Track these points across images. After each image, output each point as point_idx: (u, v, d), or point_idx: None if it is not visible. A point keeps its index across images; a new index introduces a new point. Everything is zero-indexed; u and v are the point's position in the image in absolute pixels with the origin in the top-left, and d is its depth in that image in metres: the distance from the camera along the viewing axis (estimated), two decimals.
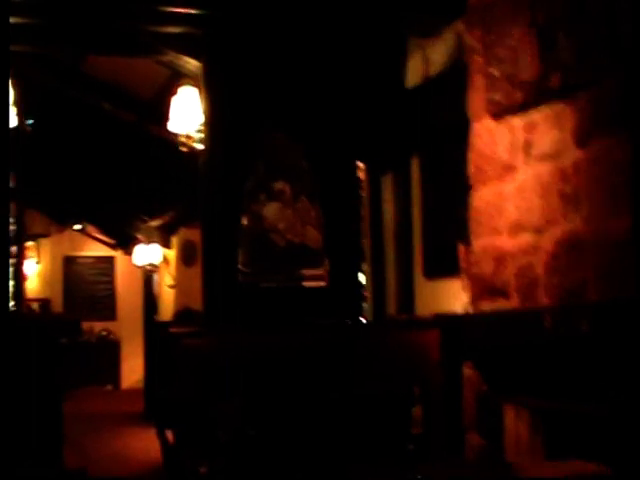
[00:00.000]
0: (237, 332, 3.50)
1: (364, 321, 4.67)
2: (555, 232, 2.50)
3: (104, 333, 12.61)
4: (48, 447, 3.25)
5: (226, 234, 4.29)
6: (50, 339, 3.38)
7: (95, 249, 13.07)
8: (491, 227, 2.86)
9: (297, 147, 4.47)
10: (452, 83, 3.51)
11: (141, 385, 9.60)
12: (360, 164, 4.85)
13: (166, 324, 9.30)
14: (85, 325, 12.12)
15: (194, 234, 10.09)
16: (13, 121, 4.55)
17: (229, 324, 4.02)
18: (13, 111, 4.84)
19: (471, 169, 3.04)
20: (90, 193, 10.03)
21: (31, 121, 7.17)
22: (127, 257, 12.20)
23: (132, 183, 8.82)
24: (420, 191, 4.46)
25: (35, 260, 12.58)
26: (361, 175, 4.90)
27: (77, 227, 12.42)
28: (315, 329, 3.44)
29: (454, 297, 3.65)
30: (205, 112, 4.47)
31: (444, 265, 4.01)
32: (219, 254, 4.29)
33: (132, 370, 11.92)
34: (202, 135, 4.64)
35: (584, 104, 2.39)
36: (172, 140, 5.30)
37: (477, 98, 2.98)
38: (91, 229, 12.51)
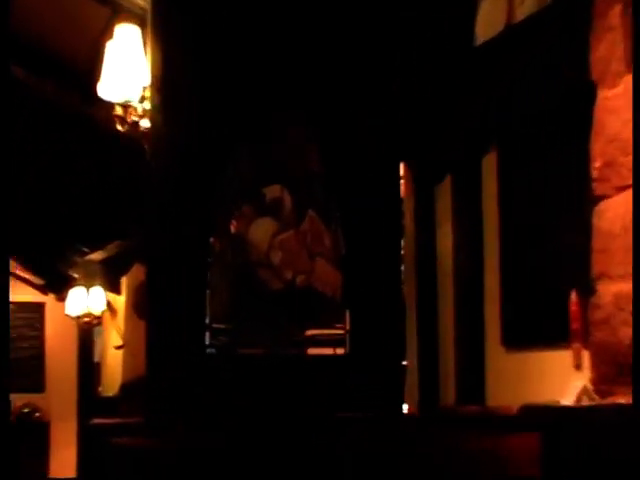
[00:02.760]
0: (196, 429, 3.50)
1: (407, 414, 4.51)
2: None
3: (26, 410, 12.48)
4: None
5: (187, 268, 4.10)
6: None
7: (17, 291, 12.81)
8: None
9: (305, 134, 4.29)
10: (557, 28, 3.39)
11: None
12: (402, 166, 4.71)
13: (107, 401, 9.28)
14: None
15: None
16: None
17: (185, 413, 3.93)
18: None
19: (596, 166, 2.95)
20: (10, 214, 9.63)
21: None
22: (61, 304, 12.36)
23: (63, 196, 8.40)
24: (498, 207, 4.20)
25: None
26: (403, 184, 4.75)
27: None
28: (328, 430, 3.32)
29: (556, 379, 3.48)
30: (154, 68, 4.21)
31: (537, 327, 3.86)
32: (175, 301, 4.08)
33: (64, 463, 11.93)
34: (149, 105, 4.49)
35: None
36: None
37: (611, 50, 2.86)
38: (12, 264, 12.19)
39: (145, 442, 3.15)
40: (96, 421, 6.37)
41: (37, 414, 12.68)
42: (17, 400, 12.34)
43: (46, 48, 7.17)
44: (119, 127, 4.74)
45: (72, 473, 10.94)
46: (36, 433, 12.60)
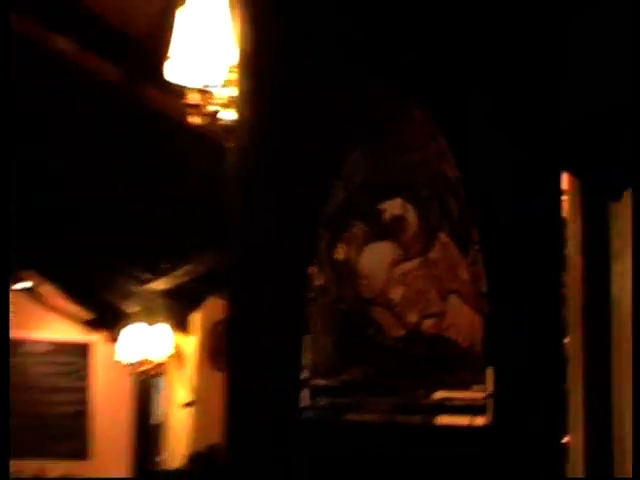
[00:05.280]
0: None
1: None
2: None
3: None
4: None
5: (281, 306, 4.10)
6: None
7: (55, 328, 13.25)
8: None
9: (436, 130, 4.24)
10: None
11: None
12: (565, 178, 4.60)
13: (171, 475, 9.46)
14: (28, 467, 12.34)
15: None
16: None
17: None
18: None
19: None
20: (46, 225, 9.89)
21: None
22: (112, 345, 12.59)
23: (119, 208, 8.52)
24: None
25: None
26: (566, 201, 4.64)
27: (23, 286, 12.38)
28: None
29: None
30: (243, 42, 4.17)
31: None
32: (264, 348, 4.07)
33: None
34: (234, 92, 4.47)
35: None
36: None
37: None
38: (48, 291, 12.51)
39: None
40: None
41: None
42: (52, 469, 12.81)
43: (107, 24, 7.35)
44: (193, 119, 4.75)
45: None
46: None
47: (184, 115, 4.86)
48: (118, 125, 8.02)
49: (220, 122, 4.74)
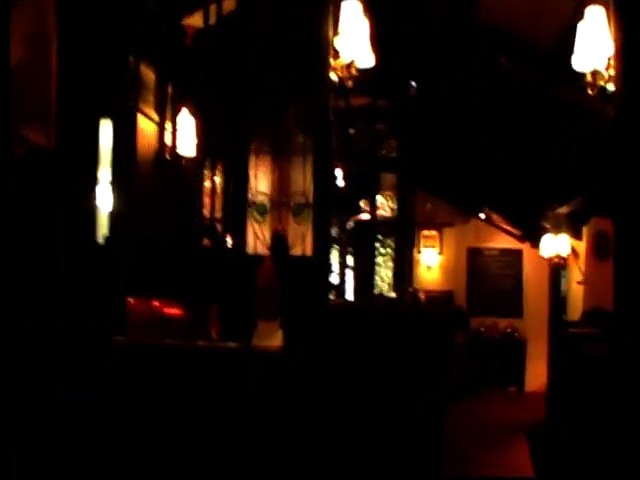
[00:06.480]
0: None
1: None
2: None
3: (509, 330, 13.34)
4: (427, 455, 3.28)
5: None
6: (439, 335, 3.42)
7: (500, 241, 13.57)
8: None
9: None
10: None
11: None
12: None
13: (571, 324, 9.20)
14: (487, 321, 12.75)
15: (608, 224, 9.91)
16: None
17: None
18: None
19: None
20: (491, 176, 10.01)
21: (413, 83, 7.15)
22: (533, 250, 12.67)
23: (537, 162, 8.50)
24: None
25: (437, 250, 13.24)
26: None
27: (481, 216, 12.62)
28: None
29: None
30: (616, 40, 3.93)
31: None
32: None
33: (537, 373, 12.21)
34: (613, 72, 4.07)
35: None
36: (582, 100, 4.83)
37: None
38: (496, 218, 12.78)
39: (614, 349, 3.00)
40: (571, 330, 6.06)
41: (516, 334, 12.95)
42: (500, 323, 13.09)
43: (524, 39, 6.63)
44: (590, 91, 4.26)
45: (542, 380, 10.88)
46: (515, 348, 12.95)
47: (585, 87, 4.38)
48: (540, 115, 7.45)
49: (606, 92, 4.22)
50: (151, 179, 5.38)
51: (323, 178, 3.80)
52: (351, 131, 7.65)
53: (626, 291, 3.74)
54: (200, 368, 3.40)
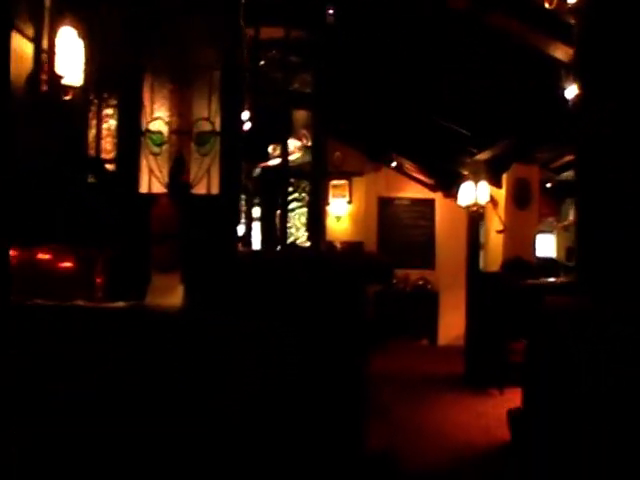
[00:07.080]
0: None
1: None
2: None
3: (421, 282, 12.97)
4: (349, 419, 3.03)
5: None
6: (357, 285, 3.14)
7: (412, 190, 13.20)
8: None
9: None
10: None
11: (461, 342, 9.53)
12: None
13: (493, 275, 8.98)
14: (400, 273, 12.37)
15: (529, 172, 9.80)
16: None
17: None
18: None
19: None
20: (405, 120, 9.45)
21: (331, 10, 6.54)
22: (447, 200, 12.50)
23: (455, 104, 7.96)
24: None
25: (346, 200, 12.71)
26: None
27: (393, 165, 12.17)
28: None
29: None
30: None
31: None
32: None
33: (451, 325, 12.07)
34: None
35: None
36: (518, 32, 4.29)
37: None
38: (408, 167, 12.33)
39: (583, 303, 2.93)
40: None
41: (429, 286, 12.79)
42: (412, 274, 12.66)
43: None
44: (547, 5, 3.96)
45: (457, 333, 10.74)
46: (428, 300, 12.69)
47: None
48: (464, 51, 6.87)
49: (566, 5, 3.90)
50: (27, 110, 4.72)
51: (233, 99, 3.19)
52: (261, 62, 7.01)
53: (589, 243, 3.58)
54: (80, 333, 2.91)
